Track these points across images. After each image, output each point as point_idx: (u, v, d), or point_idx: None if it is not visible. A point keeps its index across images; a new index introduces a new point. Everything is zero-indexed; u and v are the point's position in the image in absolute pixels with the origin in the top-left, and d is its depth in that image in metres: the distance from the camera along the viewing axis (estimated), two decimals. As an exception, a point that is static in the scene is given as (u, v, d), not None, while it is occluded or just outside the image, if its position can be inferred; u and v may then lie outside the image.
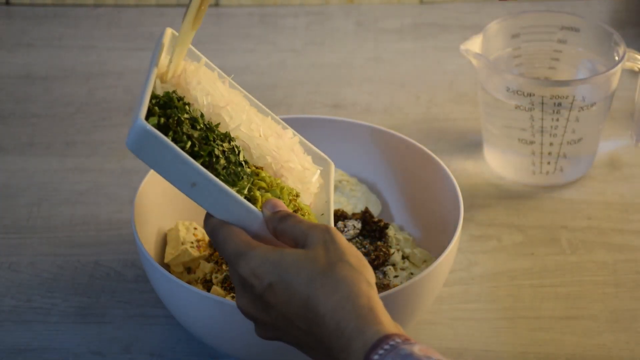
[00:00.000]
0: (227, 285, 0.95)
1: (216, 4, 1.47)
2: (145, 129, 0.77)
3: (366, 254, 0.98)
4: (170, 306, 0.91)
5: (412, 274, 0.98)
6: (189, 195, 0.81)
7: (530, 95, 1.09)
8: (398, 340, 0.70)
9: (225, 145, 0.84)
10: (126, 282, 1.03)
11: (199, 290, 0.86)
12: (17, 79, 1.33)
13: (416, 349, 0.69)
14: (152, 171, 0.98)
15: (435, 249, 0.99)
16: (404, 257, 0.99)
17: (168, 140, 0.78)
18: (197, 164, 0.79)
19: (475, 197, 1.14)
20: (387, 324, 0.72)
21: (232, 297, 0.94)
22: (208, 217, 0.82)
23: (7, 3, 1.47)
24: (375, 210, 1.06)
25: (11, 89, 1.31)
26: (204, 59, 0.89)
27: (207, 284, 0.97)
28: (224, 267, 0.97)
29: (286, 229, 0.79)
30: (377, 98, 1.30)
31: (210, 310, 0.86)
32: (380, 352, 0.70)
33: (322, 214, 0.89)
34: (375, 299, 0.74)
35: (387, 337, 0.70)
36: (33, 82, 1.33)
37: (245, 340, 0.87)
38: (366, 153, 1.06)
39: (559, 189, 1.15)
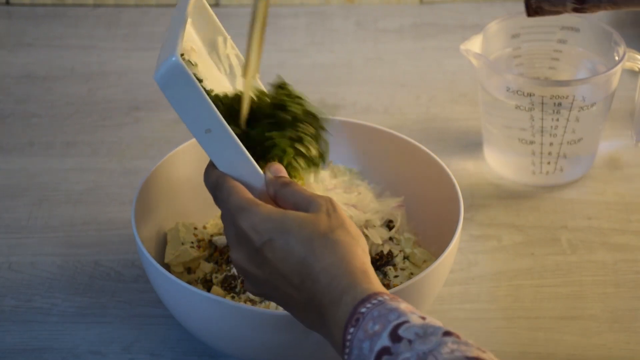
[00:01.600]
0: (227, 285, 0.95)
1: (216, 4, 1.47)
2: (179, 66, 0.79)
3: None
4: (170, 306, 0.91)
5: (412, 274, 0.98)
6: (200, 140, 0.82)
7: (530, 95, 1.09)
8: (386, 297, 0.73)
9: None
10: (126, 282, 1.03)
11: (199, 290, 0.86)
12: (17, 79, 1.33)
13: (402, 306, 0.72)
14: (152, 171, 0.98)
15: (435, 249, 0.99)
16: (404, 257, 0.99)
17: (197, 82, 0.80)
18: (218, 112, 0.80)
19: (475, 197, 1.14)
20: (378, 284, 0.75)
21: (232, 297, 0.94)
22: (211, 169, 0.84)
23: (7, 3, 1.47)
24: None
25: (11, 89, 1.31)
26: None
27: (207, 284, 0.97)
28: (224, 267, 0.98)
29: (287, 195, 0.81)
30: (377, 98, 1.30)
31: (210, 310, 0.86)
32: (368, 305, 0.73)
33: None
34: (369, 264, 0.77)
35: (376, 294, 0.74)
36: (33, 82, 1.33)
37: (245, 340, 0.87)
38: (366, 153, 1.06)
39: (559, 189, 1.15)
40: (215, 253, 0.99)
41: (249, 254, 0.79)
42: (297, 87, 1.32)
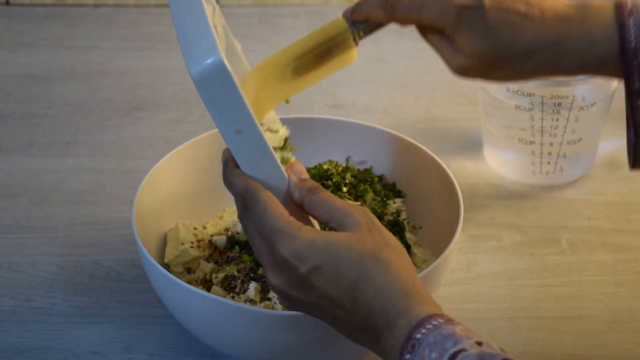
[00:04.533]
0: (227, 285, 0.95)
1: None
2: (222, 65, 0.75)
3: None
4: (170, 306, 0.91)
5: (412, 274, 0.98)
6: (228, 140, 0.79)
7: (530, 95, 1.09)
8: (441, 320, 0.72)
9: None
10: (126, 282, 1.03)
11: (199, 290, 0.86)
12: (17, 79, 1.33)
13: (458, 329, 0.71)
14: (152, 171, 0.98)
15: (435, 249, 0.99)
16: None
17: (237, 82, 0.77)
18: (252, 112, 0.78)
19: (475, 197, 1.14)
20: (432, 304, 0.74)
21: (232, 297, 0.94)
22: (235, 171, 0.80)
23: (7, 3, 1.47)
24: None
25: (11, 89, 1.31)
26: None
27: (207, 284, 0.97)
28: (224, 267, 0.97)
29: (318, 204, 0.79)
30: (377, 98, 1.30)
31: (210, 310, 0.86)
32: (424, 330, 0.71)
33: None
34: (419, 281, 0.75)
35: (430, 317, 0.72)
36: (33, 82, 1.33)
37: (245, 340, 0.87)
38: (366, 153, 1.06)
39: (559, 189, 1.15)
40: (215, 253, 0.99)
41: (292, 280, 0.76)
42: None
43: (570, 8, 0.83)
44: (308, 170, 1.03)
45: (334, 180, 1.01)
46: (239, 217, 0.80)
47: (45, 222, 1.11)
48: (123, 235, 1.08)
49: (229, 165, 0.80)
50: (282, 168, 0.80)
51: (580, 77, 1.06)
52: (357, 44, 0.88)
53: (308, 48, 0.88)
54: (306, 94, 1.31)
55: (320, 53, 0.88)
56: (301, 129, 1.04)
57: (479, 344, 0.70)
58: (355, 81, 1.33)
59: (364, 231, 0.76)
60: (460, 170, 1.18)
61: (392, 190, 1.04)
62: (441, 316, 0.72)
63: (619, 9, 0.82)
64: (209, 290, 0.96)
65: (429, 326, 0.71)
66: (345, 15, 0.89)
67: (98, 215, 1.12)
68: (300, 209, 0.80)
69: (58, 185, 1.16)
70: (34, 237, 1.09)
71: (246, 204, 0.78)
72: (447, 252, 0.90)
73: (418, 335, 0.71)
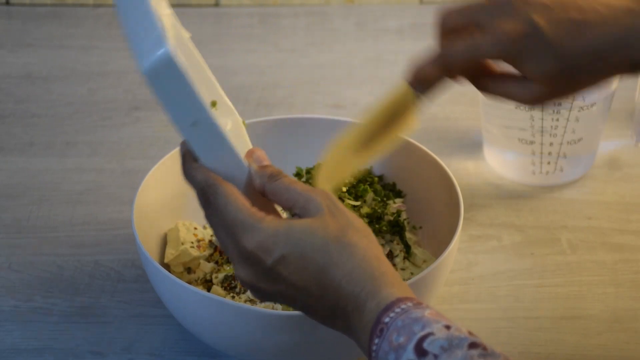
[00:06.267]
0: (227, 285, 0.95)
1: (216, 4, 1.47)
2: (172, 58, 0.73)
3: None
4: (170, 306, 0.91)
5: (412, 274, 0.98)
6: (185, 133, 0.78)
7: (530, 95, 1.09)
8: (409, 303, 0.72)
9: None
10: (126, 282, 1.03)
11: (199, 290, 0.86)
12: (17, 79, 1.33)
13: (427, 313, 0.71)
14: (152, 171, 0.98)
15: (435, 249, 0.99)
16: (404, 257, 0.99)
17: (189, 74, 0.75)
18: (207, 104, 0.77)
19: (475, 197, 1.14)
20: (399, 286, 0.74)
21: (232, 297, 0.94)
22: (194, 165, 0.79)
23: (7, 3, 1.47)
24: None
25: (11, 89, 1.31)
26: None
27: (207, 284, 0.97)
28: (224, 267, 0.97)
29: (279, 190, 0.78)
30: (377, 98, 1.30)
31: (210, 310, 0.86)
32: (392, 314, 0.71)
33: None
34: (385, 261, 0.75)
35: (399, 300, 0.72)
36: (33, 82, 1.33)
37: (245, 340, 0.87)
38: (366, 153, 1.06)
39: (559, 189, 1.15)
40: (215, 253, 0.99)
41: (259, 272, 0.76)
42: (297, 87, 1.32)
43: (627, 0, 0.80)
44: (308, 170, 1.03)
45: None
46: (204, 211, 0.79)
47: (45, 222, 1.11)
48: (123, 235, 1.08)
49: (187, 158, 0.80)
50: (242, 157, 0.79)
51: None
52: (419, 106, 0.86)
53: (380, 124, 0.87)
54: (306, 94, 1.31)
55: (388, 119, 0.87)
56: (301, 129, 1.04)
57: (447, 327, 0.70)
58: (355, 81, 1.33)
59: (326, 215, 0.76)
60: (460, 170, 1.18)
61: (392, 190, 1.04)
62: (410, 299, 0.72)
63: None
64: (209, 290, 0.96)
65: (397, 310, 0.71)
66: (409, 83, 0.86)
67: (98, 215, 1.12)
68: (263, 196, 0.80)
69: (58, 185, 1.16)
70: (34, 237, 1.09)
71: (208, 198, 0.78)
72: (447, 252, 0.90)
73: (386, 319, 0.71)
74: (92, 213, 1.12)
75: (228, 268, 0.97)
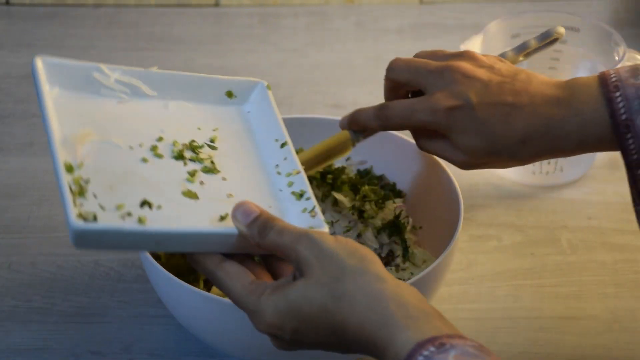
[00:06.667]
0: (227, 285, 0.95)
1: (216, 4, 1.47)
2: (82, 230, 0.73)
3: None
4: (170, 306, 0.91)
5: (412, 274, 0.98)
6: (157, 250, 0.83)
7: (530, 95, 1.09)
8: (432, 348, 0.69)
9: None
10: (126, 282, 1.03)
11: (199, 290, 0.86)
12: (17, 79, 1.33)
13: (451, 357, 0.69)
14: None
15: (435, 249, 0.99)
16: (404, 257, 0.99)
17: (113, 224, 0.75)
18: (149, 228, 0.76)
19: (475, 197, 1.14)
20: (414, 324, 0.72)
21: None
22: (194, 260, 0.80)
23: (7, 3, 1.47)
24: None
25: (11, 89, 1.31)
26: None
27: (207, 284, 0.97)
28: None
29: (272, 244, 0.77)
30: (377, 98, 1.29)
31: (210, 310, 0.86)
32: None
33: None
34: (390, 294, 0.73)
35: (419, 347, 0.70)
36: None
37: (245, 340, 0.87)
38: (366, 153, 1.06)
39: (559, 189, 1.15)
40: (215, 253, 0.99)
41: (285, 343, 0.77)
42: (297, 87, 1.32)
43: (558, 89, 0.85)
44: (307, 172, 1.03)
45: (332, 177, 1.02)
46: None
47: (45, 222, 1.11)
48: (123, 235, 1.08)
49: (186, 255, 0.81)
50: (220, 229, 0.79)
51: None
52: (354, 146, 0.95)
53: (313, 157, 0.94)
54: (306, 94, 1.31)
55: (323, 159, 0.95)
56: (301, 129, 1.04)
57: None
58: (355, 81, 1.33)
59: (315, 269, 0.75)
60: (460, 170, 1.18)
61: (392, 190, 1.04)
62: (431, 342, 0.70)
63: (603, 84, 0.84)
64: (209, 290, 0.96)
65: (420, 358, 0.69)
66: (342, 125, 0.94)
67: (98, 215, 1.11)
68: (261, 249, 0.79)
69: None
70: (34, 237, 1.09)
71: (216, 283, 0.80)
72: (447, 252, 0.90)
73: None
74: (92, 213, 1.12)
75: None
